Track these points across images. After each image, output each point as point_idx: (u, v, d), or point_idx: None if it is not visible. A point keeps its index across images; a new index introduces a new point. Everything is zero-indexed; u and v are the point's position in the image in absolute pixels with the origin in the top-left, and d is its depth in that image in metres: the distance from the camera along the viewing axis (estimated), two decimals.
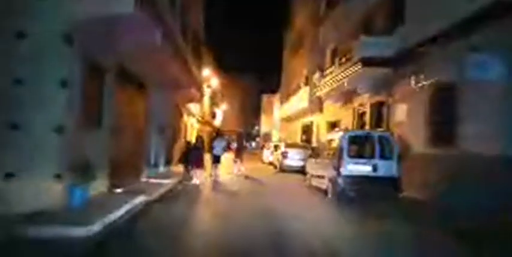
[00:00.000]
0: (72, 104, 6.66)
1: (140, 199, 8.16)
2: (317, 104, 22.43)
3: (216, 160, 14.12)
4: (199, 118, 30.19)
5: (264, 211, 7.96)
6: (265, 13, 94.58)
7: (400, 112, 12.10)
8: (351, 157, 9.06)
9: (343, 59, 15.72)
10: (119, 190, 8.88)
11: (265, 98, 65.34)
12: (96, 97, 7.97)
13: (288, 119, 34.22)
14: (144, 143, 12.44)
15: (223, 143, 14.60)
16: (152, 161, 13.18)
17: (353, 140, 9.22)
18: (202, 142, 14.18)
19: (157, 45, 8.45)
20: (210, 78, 34.17)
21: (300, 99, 26.19)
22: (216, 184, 12.60)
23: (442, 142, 9.45)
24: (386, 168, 9.07)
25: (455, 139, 8.92)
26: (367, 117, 14.91)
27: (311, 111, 23.74)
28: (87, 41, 7.07)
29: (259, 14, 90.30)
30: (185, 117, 23.39)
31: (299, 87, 28.66)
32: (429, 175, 9.50)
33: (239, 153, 16.85)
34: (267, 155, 24.80)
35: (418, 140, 10.50)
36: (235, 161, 16.83)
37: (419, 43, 10.61)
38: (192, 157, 12.35)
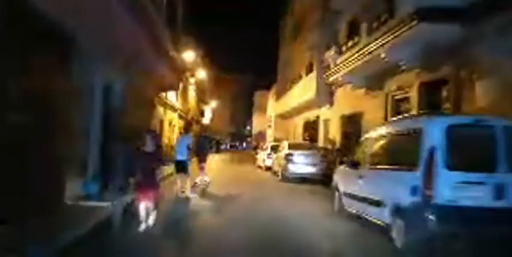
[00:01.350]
0: None
1: None
2: (326, 94, 17.86)
3: (179, 167, 9.38)
4: (182, 113, 25.42)
5: None
6: (256, 8, 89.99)
7: (485, 92, 7.57)
8: (452, 167, 4.46)
9: (375, 24, 11.17)
10: None
11: (258, 94, 60.96)
12: None
13: (285, 116, 29.64)
14: (75, 143, 7.71)
15: (187, 142, 9.56)
16: (91, 172, 8.44)
17: (456, 135, 4.57)
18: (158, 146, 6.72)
19: None
20: (195, 67, 29.44)
21: (302, 91, 21.58)
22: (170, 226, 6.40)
23: None
24: None
25: None
26: (411, 105, 10.35)
27: (318, 103, 19.15)
28: None
29: (250, 9, 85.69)
30: (161, 111, 18.65)
31: (299, 78, 24.12)
32: None
33: (201, 157, 11.01)
34: (263, 158, 20.13)
35: None
36: (200, 168, 10.96)
37: None
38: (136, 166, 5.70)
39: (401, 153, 5.38)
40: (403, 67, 10.04)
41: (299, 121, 25.45)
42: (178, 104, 24.07)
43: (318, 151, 14.64)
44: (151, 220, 5.71)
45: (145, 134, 5.88)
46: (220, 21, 67.23)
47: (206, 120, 47.30)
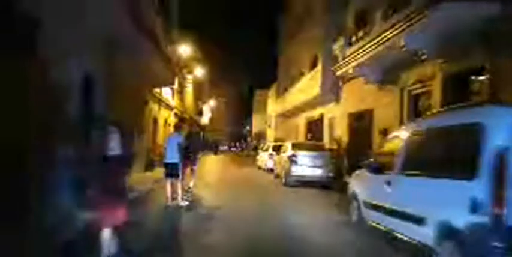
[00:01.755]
0: None
1: None
2: (332, 91, 16.65)
3: (169, 171, 8.08)
4: (178, 112, 24.20)
5: None
6: (254, 6, 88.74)
7: None
8: None
9: (390, 11, 9.99)
10: None
11: (257, 94, 59.61)
12: None
13: (287, 115, 28.43)
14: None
15: (178, 141, 8.06)
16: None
17: None
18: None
19: None
20: (192, 63, 28.25)
21: (305, 88, 20.36)
22: None
23: None
24: None
25: None
26: (433, 101, 9.15)
27: (323, 101, 17.95)
28: None
29: (249, 8, 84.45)
30: (155, 108, 17.44)
31: (301, 75, 22.92)
32: None
33: (192, 158, 9.66)
34: (265, 158, 18.91)
35: None
36: (191, 171, 9.83)
37: None
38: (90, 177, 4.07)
39: (448, 155, 4.16)
40: (424, 57, 8.83)
41: (301, 120, 24.24)
42: (174, 102, 22.87)
43: (324, 152, 13.42)
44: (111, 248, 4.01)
45: (107, 128, 4.22)
46: (218, 20, 65.96)
47: (205, 120, 46.08)
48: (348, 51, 12.40)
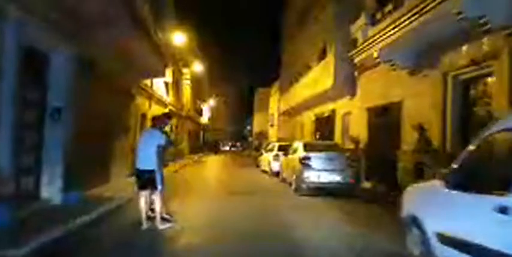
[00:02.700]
0: None
1: None
2: (347, 82, 14.49)
3: (144, 181, 5.82)
4: (173, 109, 21.99)
5: None
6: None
7: None
8: None
9: None
10: None
11: (258, 92, 57.39)
12: None
13: (291, 113, 26.29)
14: None
15: (157, 141, 5.77)
16: None
17: None
18: None
19: None
20: (190, 57, 26.12)
21: (313, 81, 18.18)
22: None
23: None
24: None
25: None
26: (494, 87, 7.00)
27: (335, 94, 15.79)
28: None
29: (250, 6, 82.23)
30: (146, 104, 15.32)
31: (308, 69, 20.76)
32: None
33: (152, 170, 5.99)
34: (268, 160, 16.72)
35: None
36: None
37: None
38: None
39: None
40: (487, 27, 6.66)
41: (308, 118, 22.08)
42: (169, 98, 20.71)
43: (343, 153, 11.25)
44: None
45: None
46: (219, 18, 63.63)
47: (204, 119, 43.92)
48: (372, 31, 10.23)
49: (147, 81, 15.01)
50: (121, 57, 9.86)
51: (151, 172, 5.70)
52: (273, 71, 38.75)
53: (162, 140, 5.83)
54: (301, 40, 23.32)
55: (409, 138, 9.86)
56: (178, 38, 17.38)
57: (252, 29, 71.03)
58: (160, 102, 18.47)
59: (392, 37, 9.03)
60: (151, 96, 16.06)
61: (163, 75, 14.10)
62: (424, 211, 4.19)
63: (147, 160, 5.72)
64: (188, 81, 28.58)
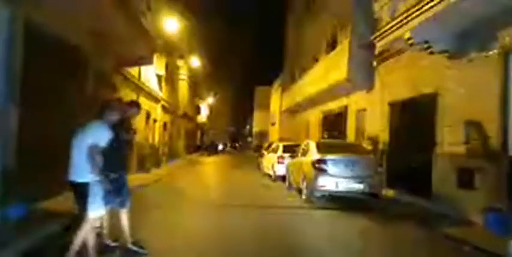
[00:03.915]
0: None
1: None
2: (364, 74, 12.58)
3: (78, 196, 3.85)
4: (167, 105, 20.06)
5: None
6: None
7: None
8: None
9: None
10: None
11: (259, 90, 55.55)
12: None
13: (295, 110, 24.43)
14: None
15: (98, 138, 3.85)
16: None
17: None
18: None
19: None
20: (186, 48, 24.20)
21: (322, 74, 16.29)
22: None
23: None
24: None
25: None
26: None
27: (347, 88, 13.89)
28: None
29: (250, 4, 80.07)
30: (131, 95, 13.38)
31: (315, 61, 18.91)
32: None
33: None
34: (272, 162, 14.78)
35: None
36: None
37: None
38: None
39: None
40: None
41: (314, 116, 20.15)
42: (161, 93, 18.80)
43: (366, 155, 9.31)
44: None
45: None
46: (218, 17, 61.39)
47: (202, 117, 41.98)
48: (404, 4, 8.30)
49: (134, 71, 13.10)
50: (86, 30, 7.89)
51: (83, 185, 3.78)
52: (273, 70, 37.24)
53: (100, 138, 3.86)
54: (308, 29, 21.47)
55: (450, 137, 7.97)
56: (172, 25, 15.45)
57: (253, 26, 68.92)
58: (151, 96, 16.57)
59: (433, 10, 7.11)
60: (139, 90, 14.15)
61: (150, 62, 12.16)
62: None
63: (77, 167, 3.82)
64: (184, 76, 26.66)
